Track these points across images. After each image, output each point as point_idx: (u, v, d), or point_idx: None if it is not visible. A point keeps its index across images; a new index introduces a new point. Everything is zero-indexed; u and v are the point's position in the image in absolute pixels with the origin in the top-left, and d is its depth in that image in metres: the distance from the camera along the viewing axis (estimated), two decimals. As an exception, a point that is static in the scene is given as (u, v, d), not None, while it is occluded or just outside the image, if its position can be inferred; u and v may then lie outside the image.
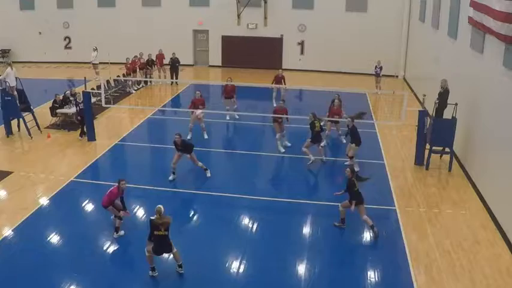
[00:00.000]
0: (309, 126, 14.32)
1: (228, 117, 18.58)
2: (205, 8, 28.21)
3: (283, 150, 15.33)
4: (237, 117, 18.55)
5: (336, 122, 16.08)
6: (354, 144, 13.72)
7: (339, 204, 10.94)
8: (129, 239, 10.43)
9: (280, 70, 21.32)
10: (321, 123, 14.39)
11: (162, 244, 8.82)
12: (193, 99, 16.68)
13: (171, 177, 13.27)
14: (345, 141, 15.85)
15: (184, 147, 13.14)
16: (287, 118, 15.59)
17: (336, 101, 15.99)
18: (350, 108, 19.03)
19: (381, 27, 26.13)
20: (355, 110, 18.71)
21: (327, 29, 27.03)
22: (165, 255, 9.31)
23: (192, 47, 29.43)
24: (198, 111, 16.14)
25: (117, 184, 10.43)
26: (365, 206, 10.69)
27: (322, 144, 14.98)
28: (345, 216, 10.90)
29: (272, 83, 20.71)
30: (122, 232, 10.50)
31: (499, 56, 11.37)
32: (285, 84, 20.76)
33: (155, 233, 8.73)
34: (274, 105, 20.00)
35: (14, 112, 16.36)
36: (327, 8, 26.98)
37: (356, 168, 12.80)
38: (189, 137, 16.01)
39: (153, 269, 9.06)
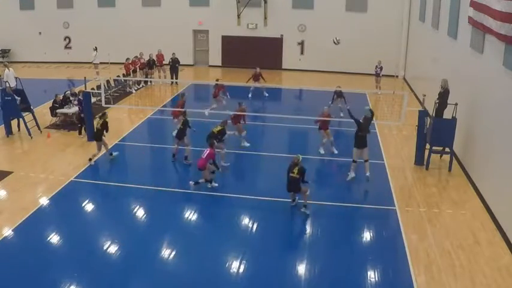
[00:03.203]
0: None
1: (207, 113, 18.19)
2: (205, 8, 28.20)
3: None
4: (206, 114, 18.26)
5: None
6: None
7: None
8: (129, 239, 10.43)
9: (258, 68, 21.57)
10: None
11: (292, 184, 11.25)
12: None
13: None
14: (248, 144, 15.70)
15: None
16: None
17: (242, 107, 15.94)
18: (350, 108, 19.06)
19: (381, 27, 26.13)
20: (355, 109, 18.79)
21: (327, 29, 26.93)
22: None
23: (192, 47, 29.42)
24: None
25: (209, 148, 12.39)
26: (365, 206, 10.77)
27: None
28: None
29: (248, 81, 21.04)
30: (215, 184, 12.71)
31: (499, 56, 11.37)
32: (264, 80, 21.02)
33: (290, 174, 11.19)
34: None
35: (14, 112, 16.35)
36: (327, 8, 26.99)
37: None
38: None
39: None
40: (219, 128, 14.23)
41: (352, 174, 13.34)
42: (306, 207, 11.48)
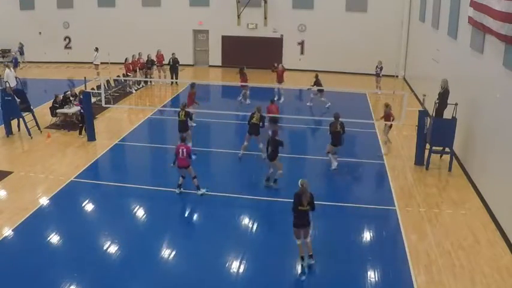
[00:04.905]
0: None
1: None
2: (205, 8, 28.21)
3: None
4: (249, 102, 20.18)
5: None
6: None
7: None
8: (129, 239, 10.43)
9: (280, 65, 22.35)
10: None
11: (302, 219, 9.16)
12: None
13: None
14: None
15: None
16: None
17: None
18: (350, 108, 19.10)
19: (381, 27, 26.14)
20: (355, 109, 18.83)
21: (327, 29, 27.03)
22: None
23: (192, 47, 29.43)
24: None
25: (181, 143, 12.02)
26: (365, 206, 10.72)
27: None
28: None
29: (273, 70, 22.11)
30: (203, 190, 12.30)
31: (499, 56, 11.37)
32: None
33: (299, 208, 9.05)
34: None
35: (14, 112, 16.35)
36: (327, 8, 27.00)
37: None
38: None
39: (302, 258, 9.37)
40: (257, 115, 14.14)
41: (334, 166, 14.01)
42: (311, 257, 9.39)
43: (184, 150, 11.96)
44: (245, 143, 14.52)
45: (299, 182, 9.15)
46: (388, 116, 15.29)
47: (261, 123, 14.24)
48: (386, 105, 15.50)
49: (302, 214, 9.09)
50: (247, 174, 14.24)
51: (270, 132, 13.01)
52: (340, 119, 13.88)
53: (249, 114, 14.63)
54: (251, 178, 13.83)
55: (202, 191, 12.29)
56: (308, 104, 20.34)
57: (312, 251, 9.35)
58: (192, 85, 17.61)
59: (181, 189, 12.38)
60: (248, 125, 14.43)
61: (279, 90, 21.53)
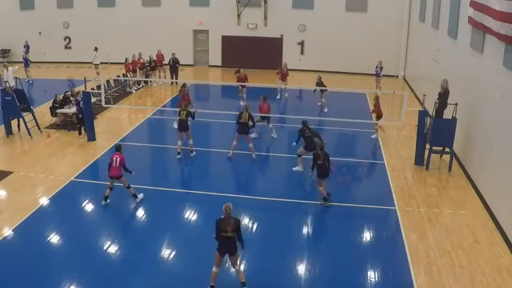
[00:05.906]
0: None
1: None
2: (205, 8, 28.21)
3: None
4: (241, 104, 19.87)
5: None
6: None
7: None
8: (128, 238, 10.44)
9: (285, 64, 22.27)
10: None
11: (227, 245, 8.44)
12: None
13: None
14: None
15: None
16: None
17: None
18: (350, 108, 19.09)
19: (380, 27, 26.14)
20: (355, 109, 18.84)
21: (327, 29, 27.03)
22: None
23: (192, 47, 29.43)
24: None
25: (116, 152, 11.44)
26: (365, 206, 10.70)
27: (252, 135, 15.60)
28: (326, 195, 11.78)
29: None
30: (141, 195, 11.91)
31: (499, 56, 11.37)
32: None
33: (222, 234, 8.33)
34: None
35: (14, 112, 16.35)
36: (327, 8, 26.99)
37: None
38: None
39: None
40: (245, 114, 14.12)
41: (299, 168, 13.77)
42: (244, 285, 8.55)
43: (118, 159, 11.32)
44: (234, 143, 14.53)
45: (223, 207, 8.36)
46: (378, 108, 15.49)
47: (250, 122, 14.24)
48: (375, 98, 15.74)
49: (226, 241, 8.37)
50: (247, 174, 14.24)
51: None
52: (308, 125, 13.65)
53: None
54: (251, 178, 13.82)
55: (140, 196, 11.88)
56: (325, 110, 19.73)
57: (245, 279, 8.58)
58: (183, 85, 17.82)
59: (108, 201, 11.68)
60: (237, 124, 14.41)
61: (281, 88, 21.61)
